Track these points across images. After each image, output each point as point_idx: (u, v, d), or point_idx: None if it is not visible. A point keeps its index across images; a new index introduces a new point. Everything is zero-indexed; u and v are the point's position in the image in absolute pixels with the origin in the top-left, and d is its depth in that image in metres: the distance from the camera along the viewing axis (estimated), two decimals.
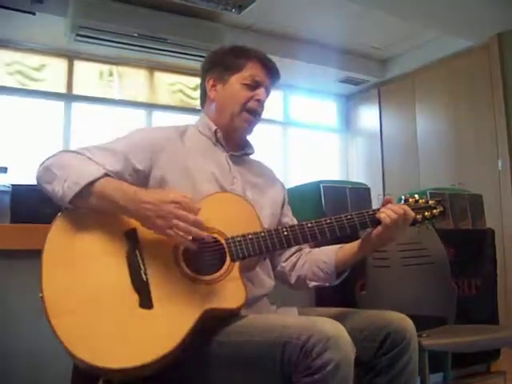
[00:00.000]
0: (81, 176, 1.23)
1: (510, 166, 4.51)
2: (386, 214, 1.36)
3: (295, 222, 1.62)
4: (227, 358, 1.20)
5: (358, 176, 6.12)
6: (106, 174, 1.26)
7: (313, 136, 6.31)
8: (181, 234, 1.18)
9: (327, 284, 1.52)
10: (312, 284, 1.53)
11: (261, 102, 1.51)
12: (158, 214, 1.18)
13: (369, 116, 6.18)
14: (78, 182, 1.21)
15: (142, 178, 1.37)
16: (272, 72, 1.54)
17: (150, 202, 1.19)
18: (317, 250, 1.57)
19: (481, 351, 2.50)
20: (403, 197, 1.46)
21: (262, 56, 1.53)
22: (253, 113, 1.51)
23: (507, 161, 4.53)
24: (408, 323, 1.33)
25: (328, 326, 1.12)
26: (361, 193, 2.93)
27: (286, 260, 1.57)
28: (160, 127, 1.53)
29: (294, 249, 1.56)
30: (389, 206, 1.38)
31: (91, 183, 1.22)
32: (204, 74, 1.58)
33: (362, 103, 6.30)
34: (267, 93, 1.54)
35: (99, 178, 1.24)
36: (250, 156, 1.62)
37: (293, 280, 1.55)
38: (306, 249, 1.59)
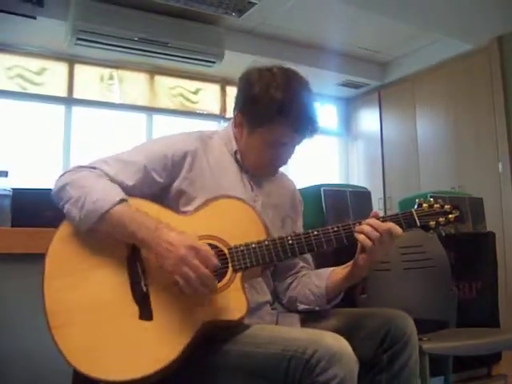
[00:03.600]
0: (97, 204, 1.19)
1: (510, 169, 4.51)
2: (365, 236, 1.27)
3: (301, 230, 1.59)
4: (230, 367, 1.19)
5: (358, 179, 6.12)
6: (122, 200, 1.22)
7: (313, 139, 6.29)
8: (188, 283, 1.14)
9: (317, 308, 1.45)
10: (301, 307, 1.47)
11: (286, 161, 1.48)
12: (170, 255, 1.13)
13: (369, 119, 6.18)
14: (95, 209, 1.19)
15: (161, 190, 1.36)
16: (305, 132, 1.45)
17: (168, 241, 1.15)
18: (311, 272, 1.52)
19: (482, 354, 2.50)
20: (417, 201, 1.38)
21: (295, 114, 1.38)
22: (278, 168, 1.51)
23: (507, 163, 4.52)
24: (408, 320, 1.33)
25: (333, 341, 1.11)
26: (361, 196, 2.93)
27: (282, 280, 1.53)
28: (183, 135, 1.44)
29: (291, 271, 1.53)
30: (371, 222, 1.28)
31: (107, 211, 1.19)
32: (236, 100, 1.46)
33: (362, 106, 6.30)
34: (297, 147, 1.49)
35: (114, 206, 1.20)
36: None
37: (285, 300, 1.52)
38: (304, 271, 1.54)
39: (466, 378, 2.73)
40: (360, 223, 1.31)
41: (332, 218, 2.65)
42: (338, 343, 1.11)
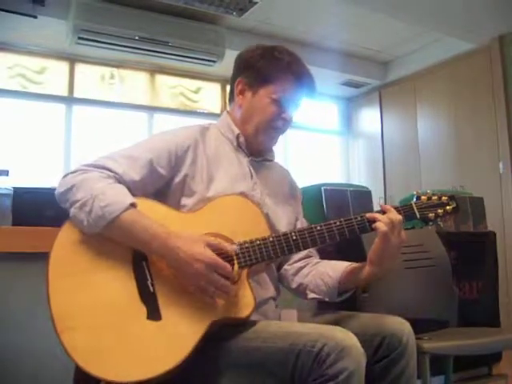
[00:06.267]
0: (106, 209, 1.18)
1: (511, 168, 4.51)
2: (379, 221, 1.31)
3: (304, 222, 1.59)
4: (238, 363, 1.19)
5: (359, 178, 6.12)
6: (131, 204, 1.21)
7: (314, 138, 6.31)
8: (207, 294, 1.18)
9: (326, 299, 1.44)
10: (311, 295, 1.47)
11: (288, 121, 1.48)
12: (189, 269, 1.16)
13: (370, 118, 6.18)
14: (103, 215, 1.17)
15: (164, 184, 1.37)
16: (306, 89, 1.50)
17: (185, 252, 1.16)
18: (325, 262, 1.51)
19: (482, 354, 2.49)
20: (415, 193, 1.41)
21: (298, 71, 1.48)
22: (279, 130, 1.49)
23: (508, 163, 4.52)
24: (405, 327, 1.30)
25: (342, 335, 1.12)
26: (362, 195, 2.93)
27: (291, 264, 1.53)
28: (183, 128, 1.47)
29: (301, 254, 1.52)
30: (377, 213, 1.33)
31: (116, 217, 1.18)
32: (235, 73, 1.53)
33: (363, 106, 6.30)
34: (298, 107, 1.51)
35: (124, 211, 1.19)
36: None
37: (294, 285, 1.51)
38: (315, 259, 1.54)
39: (467, 378, 2.73)
40: (362, 216, 1.33)
41: (333, 217, 2.63)
42: (347, 337, 1.12)
